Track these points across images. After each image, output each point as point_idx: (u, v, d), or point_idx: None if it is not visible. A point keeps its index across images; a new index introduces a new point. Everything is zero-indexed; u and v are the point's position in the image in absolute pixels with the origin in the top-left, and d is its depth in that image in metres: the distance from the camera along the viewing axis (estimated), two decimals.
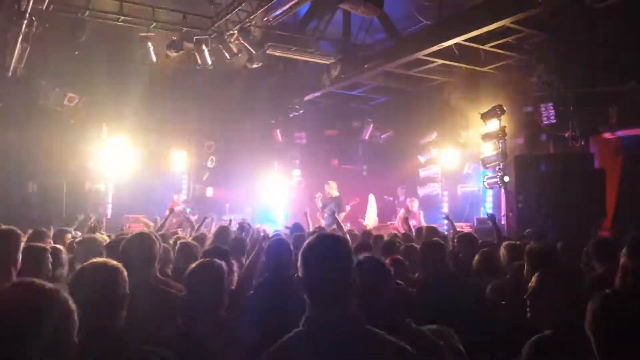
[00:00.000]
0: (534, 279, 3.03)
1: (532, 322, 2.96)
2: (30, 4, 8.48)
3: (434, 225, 9.06)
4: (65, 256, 4.55)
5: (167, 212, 8.69)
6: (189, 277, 3.21)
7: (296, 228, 7.71)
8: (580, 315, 2.74)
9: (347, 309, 1.98)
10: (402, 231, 8.99)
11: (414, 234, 8.06)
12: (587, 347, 2.56)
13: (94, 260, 2.64)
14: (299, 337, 1.97)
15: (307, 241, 2.08)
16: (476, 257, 4.79)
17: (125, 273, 2.55)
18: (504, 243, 5.28)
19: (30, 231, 5.74)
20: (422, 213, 13.37)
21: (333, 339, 1.91)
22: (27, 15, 8.68)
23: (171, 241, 6.10)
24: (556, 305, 2.86)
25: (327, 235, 2.26)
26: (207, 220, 9.26)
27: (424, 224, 12.65)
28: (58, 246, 4.78)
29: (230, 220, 9.72)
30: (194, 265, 3.32)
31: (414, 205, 13.35)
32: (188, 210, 13.05)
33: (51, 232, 6.60)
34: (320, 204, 13.00)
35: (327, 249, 2.04)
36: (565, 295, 2.86)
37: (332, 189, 13.34)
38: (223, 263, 3.32)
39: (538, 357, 2.74)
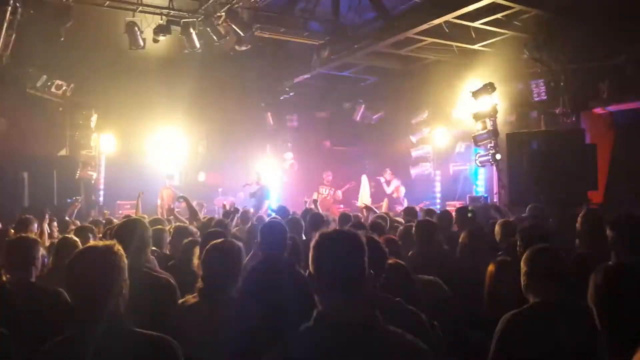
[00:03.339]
0: (523, 257, 3.05)
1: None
2: None
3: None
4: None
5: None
6: (208, 254, 3.31)
7: (281, 211, 7.72)
8: (562, 291, 2.79)
9: (361, 305, 1.87)
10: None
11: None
12: (560, 323, 2.67)
13: (92, 243, 2.48)
14: (307, 334, 1.86)
15: (316, 236, 1.96)
16: (463, 234, 4.80)
17: (125, 259, 2.36)
18: (499, 221, 5.40)
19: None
20: (406, 200, 13.57)
21: (344, 338, 1.80)
22: (11, 1, 8.55)
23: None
24: (537, 282, 2.91)
25: (338, 231, 2.11)
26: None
27: None
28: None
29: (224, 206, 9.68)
30: (214, 242, 3.39)
31: (401, 191, 13.63)
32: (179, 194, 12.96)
33: (46, 219, 6.65)
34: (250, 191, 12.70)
35: (338, 243, 1.93)
36: (548, 273, 2.90)
37: (260, 178, 12.80)
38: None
39: (508, 333, 2.79)
